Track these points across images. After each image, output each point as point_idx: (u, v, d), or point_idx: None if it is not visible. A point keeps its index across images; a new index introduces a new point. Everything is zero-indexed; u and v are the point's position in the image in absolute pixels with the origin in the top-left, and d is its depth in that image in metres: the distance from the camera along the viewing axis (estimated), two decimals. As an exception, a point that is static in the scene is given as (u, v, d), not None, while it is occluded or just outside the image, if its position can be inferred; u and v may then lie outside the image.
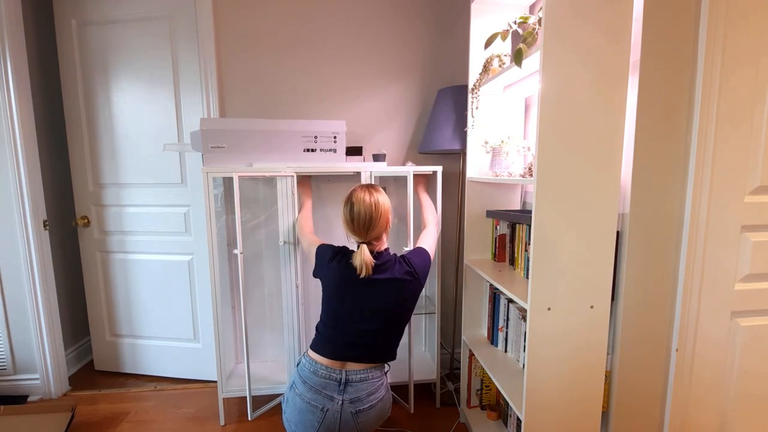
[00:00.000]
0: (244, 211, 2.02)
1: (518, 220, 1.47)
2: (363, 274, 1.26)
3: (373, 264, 1.27)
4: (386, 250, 1.35)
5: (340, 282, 1.29)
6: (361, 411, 1.24)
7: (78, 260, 2.34)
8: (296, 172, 1.68)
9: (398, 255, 1.36)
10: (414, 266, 1.33)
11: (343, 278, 1.29)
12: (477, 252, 1.76)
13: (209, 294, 2.09)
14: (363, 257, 1.25)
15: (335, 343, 1.28)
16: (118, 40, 1.97)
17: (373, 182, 1.74)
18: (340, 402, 1.23)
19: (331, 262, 1.32)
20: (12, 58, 1.79)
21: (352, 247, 1.34)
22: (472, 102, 1.62)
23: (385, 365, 1.35)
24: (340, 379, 1.25)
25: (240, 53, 1.96)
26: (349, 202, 1.29)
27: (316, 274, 1.40)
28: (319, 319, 1.36)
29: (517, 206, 1.77)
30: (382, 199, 1.31)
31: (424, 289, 2.18)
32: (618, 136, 1.13)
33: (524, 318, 1.44)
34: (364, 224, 1.27)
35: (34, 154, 1.90)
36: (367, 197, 1.28)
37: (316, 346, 1.31)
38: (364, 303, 1.28)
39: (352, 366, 1.27)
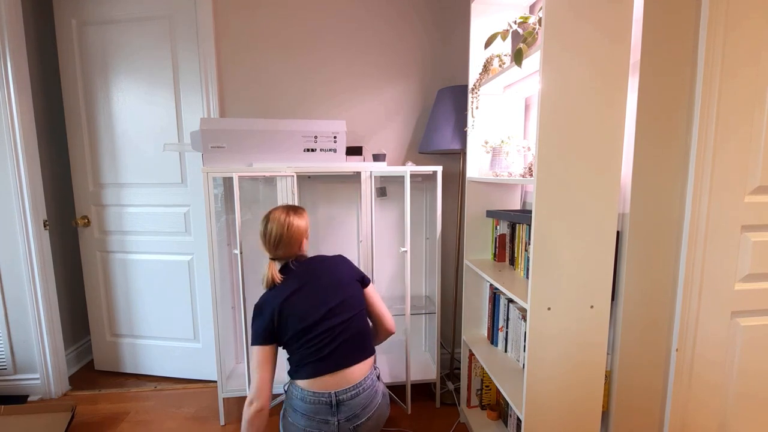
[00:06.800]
0: (244, 211, 2.02)
1: (518, 220, 1.47)
2: (264, 286, 1.30)
3: (278, 279, 1.29)
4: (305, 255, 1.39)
5: (283, 304, 1.25)
6: (359, 425, 1.22)
7: (78, 260, 2.34)
8: (296, 172, 1.68)
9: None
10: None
11: (284, 299, 1.25)
12: (477, 252, 1.76)
13: (209, 294, 2.09)
14: (268, 273, 1.30)
15: (314, 358, 1.22)
16: (118, 40, 1.97)
17: (373, 182, 1.74)
18: (336, 423, 1.20)
19: (263, 312, 1.26)
20: (12, 58, 1.79)
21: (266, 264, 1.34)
22: (472, 102, 1.62)
23: (376, 368, 1.32)
24: (331, 402, 1.20)
25: (240, 53, 1.96)
26: (266, 218, 1.34)
27: (264, 335, 1.25)
28: (288, 356, 1.29)
29: (517, 206, 1.77)
30: (297, 221, 1.33)
31: (424, 289, 2.18)
32: (618, 136, 1.13)
33: (524, 318, 1.44)
34: (274, 242, 1.31)
35: (34, 154, 1.90)
36: (282, 217, 1.32)
37: (298, 375, 1.24)
38: (324, 300, 1.26)
39: (341, 385, 1.22)
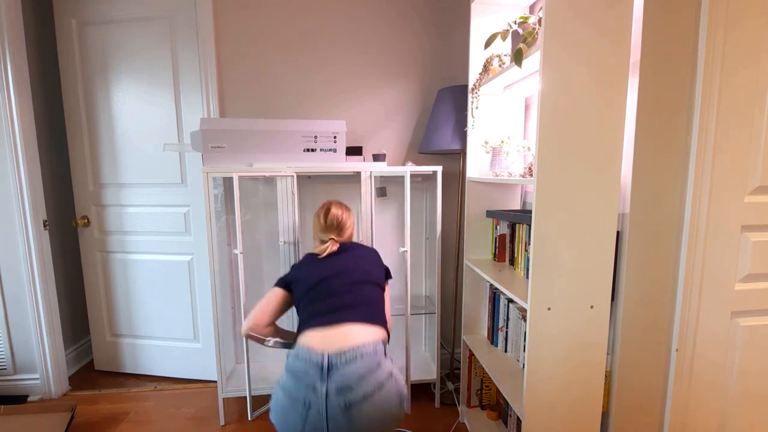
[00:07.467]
0: (244, 211, 2.02)
1: (518, 220, 1.47)
2: (322, 255, 1.38)
3: (334, 249, 1.41)
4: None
5: (311, 265, 1.36)
6: (352, 404, 1.03)
7: (78, 260, 2.34)
8: (296, 172, 1.68)
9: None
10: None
11: (315, 261, 1.38)
12: (477, 252, 1.76)
13: (209, 294, 2.09)
14: (329, 246, 1.39)
15: (326, 307, 1.22)
16: (118, 40, 1.97)
17: (373, 182, 1.74)
18: (324, 393, 1.04)
19: (294, 268, 1.41)
20: (12, 58, 1.79)
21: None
22: (472, 102, 1.62)
23: (381, 343, 1.17)
24: (322, 364, 1.07)
25: (240, 53, 1.96)
26: (325, 207, 1.47)
27: (288, 278, 1.39)
28: (299, 322, 1.27)
29: (517, 206, 1.77)
30: (351, 217, 1.50)
31: (424, 289, 2.18)
32: (618, 136, 1.13)
33: (524, 318, 1.44)
34: (336, 226, 1.45)
35: (34, 154, 1.90)
36: (341, 211, 1.47)
37: (300, 332, 1.20)
38: (341, 267, 1.33)
39: (337, 345, 1.11)
